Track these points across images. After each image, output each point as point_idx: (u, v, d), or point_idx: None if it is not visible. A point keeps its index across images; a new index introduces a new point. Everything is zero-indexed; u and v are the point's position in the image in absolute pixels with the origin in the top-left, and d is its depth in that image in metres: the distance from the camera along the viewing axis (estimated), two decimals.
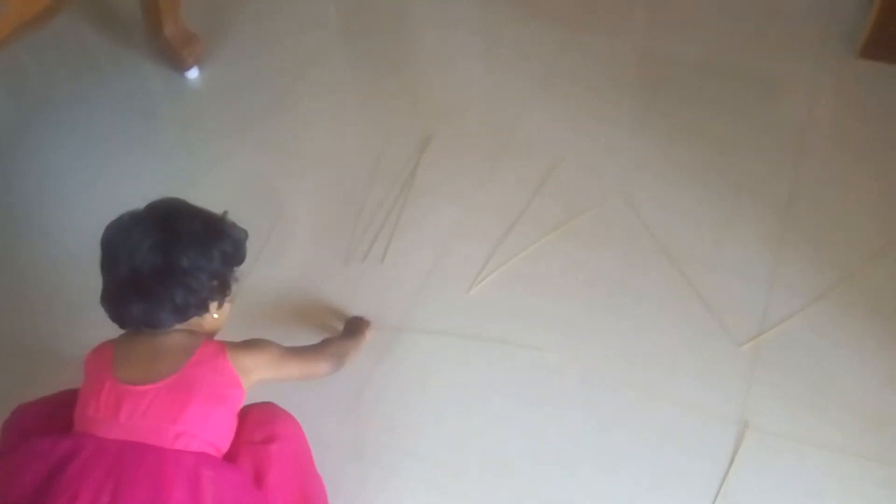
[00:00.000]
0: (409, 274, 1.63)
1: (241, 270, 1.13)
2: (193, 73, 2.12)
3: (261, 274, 1.62)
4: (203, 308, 1.07)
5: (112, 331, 1.07)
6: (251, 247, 1.15)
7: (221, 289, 1.08)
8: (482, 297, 1.58)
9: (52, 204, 1.83)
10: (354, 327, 1.45)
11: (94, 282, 1.05)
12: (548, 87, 2.01)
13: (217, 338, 1.12)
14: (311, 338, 1.39)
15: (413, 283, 1.61)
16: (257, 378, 1.10)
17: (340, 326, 1.51)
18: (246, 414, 1.10)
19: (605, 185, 1.77)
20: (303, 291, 1.60)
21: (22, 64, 2.22)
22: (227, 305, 1.12)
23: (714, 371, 1.44)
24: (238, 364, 1.07)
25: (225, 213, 1.12)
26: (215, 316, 1.10)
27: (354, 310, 1.55)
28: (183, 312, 1.04)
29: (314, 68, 2.13)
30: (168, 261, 1.01)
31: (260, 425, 1.09)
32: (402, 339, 1.52)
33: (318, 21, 2.30)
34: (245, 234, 1.12)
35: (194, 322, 1.08)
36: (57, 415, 1.06)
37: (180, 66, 2.10)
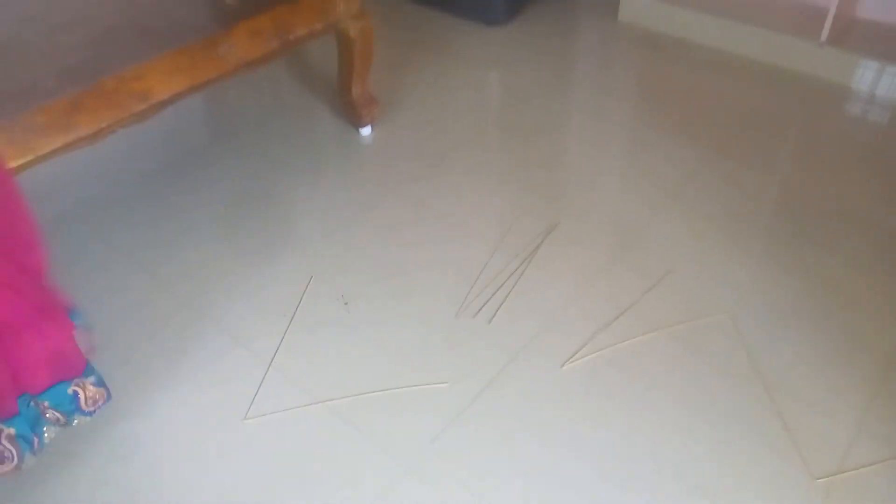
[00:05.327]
0: (511, 338, 1.76)
1: None
2: (367, 131, 2.43)
3: (384, 304, 1.83)
4: None
5: None
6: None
7: None
8: (572, 375, 1.68)
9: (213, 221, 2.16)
10: None
11: None
12: (679, 199, 2.13)
13: None
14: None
15: (512, 347, 1.74)
16: None
17: None
18: None
19: (715, 299, 1.84)
20: (411, 331, 1.79)
21: (224, 95, 2.64)
22: None
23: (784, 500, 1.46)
24: None
25: None
26: None
27: (451, 358, 1.71)
28: None
29: (467, 145, 2.39)
30: None
31: None
32: (484, 398, 1.65)
33: (480, 106, 2.59)
34: None
35: None
36: None
37: (358, 123, 2.41)
